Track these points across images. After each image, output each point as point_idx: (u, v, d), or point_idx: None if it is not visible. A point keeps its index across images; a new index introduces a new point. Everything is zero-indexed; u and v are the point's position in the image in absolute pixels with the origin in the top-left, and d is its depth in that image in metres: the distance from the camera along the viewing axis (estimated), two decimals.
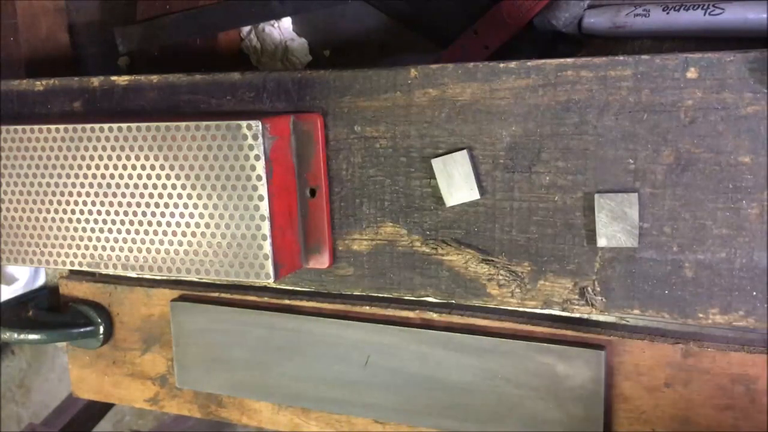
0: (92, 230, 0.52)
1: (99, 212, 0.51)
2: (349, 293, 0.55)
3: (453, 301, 0.52)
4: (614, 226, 0.45)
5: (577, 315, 0.51)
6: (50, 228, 0.53)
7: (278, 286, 0.59)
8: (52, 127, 0.51)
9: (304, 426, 0.62)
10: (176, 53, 0.69)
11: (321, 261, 0.52)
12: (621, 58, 0.44)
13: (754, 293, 0.43)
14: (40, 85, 0.59)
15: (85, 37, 0.75)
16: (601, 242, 0.45)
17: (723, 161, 0.42)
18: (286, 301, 0.59)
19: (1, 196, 0.54)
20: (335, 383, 0.58)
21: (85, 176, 0.51)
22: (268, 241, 0.47)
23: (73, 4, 0.74)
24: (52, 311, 0.69)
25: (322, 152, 0.51)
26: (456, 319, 0.54)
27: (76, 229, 0.52)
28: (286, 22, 0.69)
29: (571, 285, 0.48)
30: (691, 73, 0.42)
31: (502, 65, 0.46)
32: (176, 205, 0.49)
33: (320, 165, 0.51)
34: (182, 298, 0.63)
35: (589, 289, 0.47)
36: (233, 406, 0.65)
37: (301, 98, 0.51)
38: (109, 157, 0.50)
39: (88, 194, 0.51)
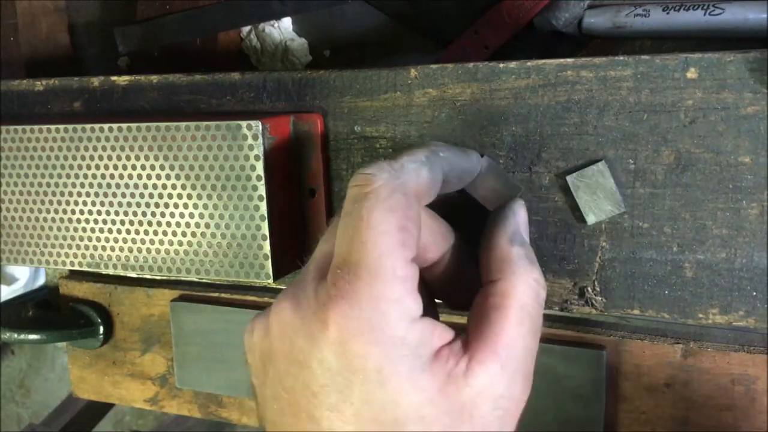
0: (92, 230, 0.52)
1: (99, 212, 0.51)
2: None
3: None
4: (596, 199, 0.45)
5: (577, 315, 0.51)
6: (50, 228, 0.53)
7: (278, 287, 0.59)
8: (52, 127, 0.51)
9: None
10: (176, 53, 0.69)
11: None
12: (621, 58, 0.44)
13: (754, 293, 0.43)
14: (40, 85, 0.59)
15: (85, 37, 0.75)
16: (591, 220, 0.45)
17: (723, 161, 0.42)
18: None
19: (1, 196, 0.54)
20: None
21: (85, 176, 0.51)
22: (268, 241, 0.47)
23: (73, 4, 0.74)
24: (52, 311, 0.69)
25: (322, 152, 0.51)
26: (456, 318, 0.54)
27: (76, 229, 0.52)
28: (286, 22, 0.68)
29: (571, 285, 0.48)
30: (691, 73, 0.42)
31: (502, 65, 0.46)
32: (176, 205, 0.49)
33: (320, 165, 0.51)
34: (182, 298, 0.63)
35: (588, 289, 0.47)
36: (233, 406, 0.65)
37: (301, 98, 0.51)
38: (109, 157, 0.50)
39: (88, 194, 0.51)
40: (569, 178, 0.45)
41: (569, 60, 0.45)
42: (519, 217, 0.40)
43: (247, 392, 0.63)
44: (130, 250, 0.51)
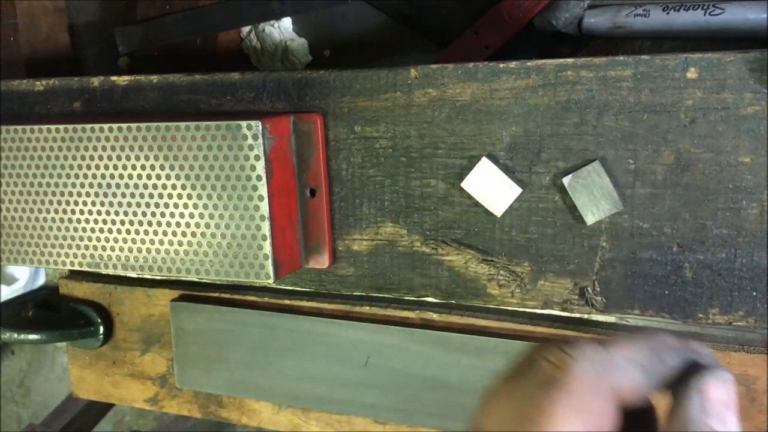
0: (92, 230, 0.52)
1: (99, 212, 0.51)
2: (349, 293, 0.55)
3: (453, 302, 0.52)
4: (593, 199, 0.45)
5: (577, 315, 0.51)
6: (50, 228, 0.53)
7: (278, 286, 0.59)
8: (52, 127, 0.51)
9: (304, 426, 0.62)
10: (176, 53, 0.69)
11: (321, 261, 0.52)
12: (621, 58, 0.44)
13: (754, 293, 0.43)
14: (40, 85, 0.59)
15: (85, 37, 0.75)
16: (590, 220, 0.45)
17: (723, 161, 0.42)
18: (286, 301, 0.59)
19: (1, 196, 0.54)
20: (335, 383, 0.58)
21: (85, 176, 0.51)
22: (268, 241, 0.47)
23: (73, 4, 0.74)
24: (52, 311, 0.69)
25: (322, 152, 0.51)
26: (456, 319, 0.54)
27: (76, 229, 0.52)
28: (286, 22, 0.69)
29: (571, 285, 0.48)
30: (691, 73, 0.42)
31: (502, 65, 0.46)
32: (176, 205, 0.49)
33: (320, 165, 0.51)
34: (182, 298, 0.63)
35: (589, 289, 0.47)
36: (233, 406, 0.65)
37: (301, 98, 0.51)
38: (109, 157, 0.50)
39: (88, 194, 0.51)
40: (565, 180, 0.45)
41: (569, 60, 0.45)
42: (707, 394, 0.28)
43: (246, 392, 0.63)
44: (130, 250, 0.51)
